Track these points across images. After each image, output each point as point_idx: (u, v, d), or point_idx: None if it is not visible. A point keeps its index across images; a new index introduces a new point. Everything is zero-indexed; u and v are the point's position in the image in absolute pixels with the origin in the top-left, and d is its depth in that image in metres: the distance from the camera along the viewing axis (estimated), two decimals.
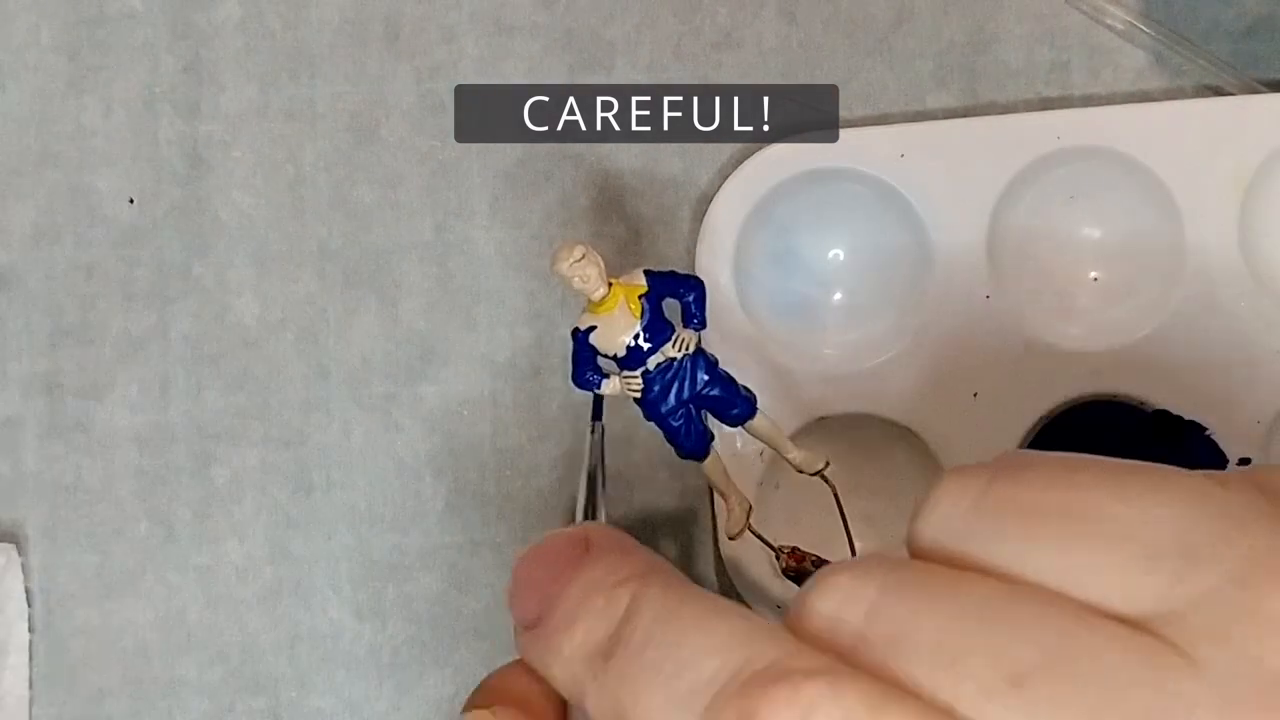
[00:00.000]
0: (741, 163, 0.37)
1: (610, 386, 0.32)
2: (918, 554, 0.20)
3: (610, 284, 0.31)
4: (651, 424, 0.32)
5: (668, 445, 0.32)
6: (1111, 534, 0.18)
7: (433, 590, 0.39)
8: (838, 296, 0.38)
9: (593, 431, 0.34)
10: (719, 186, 0.38)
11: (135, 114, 0.39)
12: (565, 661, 0.21)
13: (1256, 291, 0.36)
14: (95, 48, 0.39)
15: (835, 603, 0.18)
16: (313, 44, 0.39)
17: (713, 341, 0.37)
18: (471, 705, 0.23)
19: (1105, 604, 0.18)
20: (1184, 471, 0.19)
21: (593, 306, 0.31)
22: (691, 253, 0.38)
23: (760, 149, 0.37)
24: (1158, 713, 0.16)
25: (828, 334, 0.38)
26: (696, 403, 0.32)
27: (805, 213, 0.38)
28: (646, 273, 0.32)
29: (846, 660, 0.18)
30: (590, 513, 0.32)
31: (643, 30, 0.39)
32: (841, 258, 0.38)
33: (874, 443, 0.38)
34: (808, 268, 0.38)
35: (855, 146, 0.37)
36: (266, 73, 0.39)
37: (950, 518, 0.19)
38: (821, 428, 0.37)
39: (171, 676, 0.39)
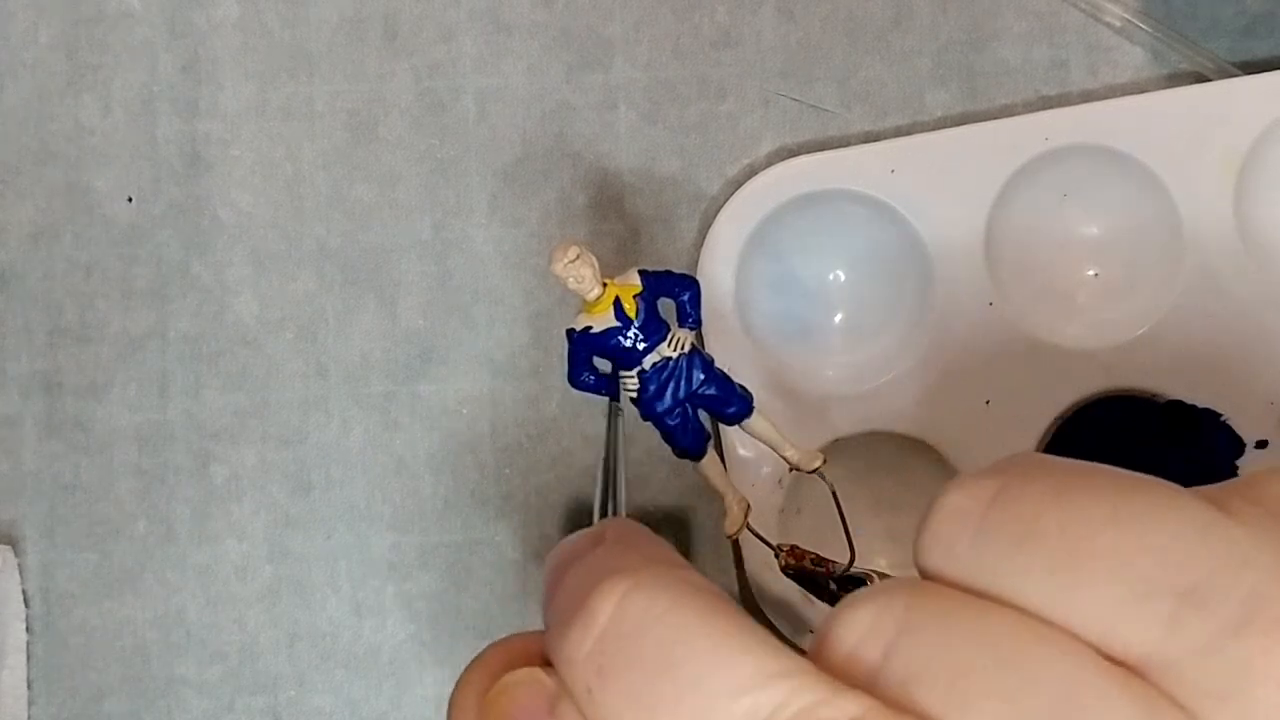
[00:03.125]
0: (736, 189, 0.37)
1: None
2: (925, 573, 0.19)
3: (605, 284, 0.31)
4: (648, 423, 0.32)
5: (663, 440, 0.32)
6: (1108, 567, 0.17)
7: (432, 589, 0.39)
8: (839, 317, 0.38)
9: (609, 414, 0.33)
10: (715, 194, 0.38)
11: (134, 113, 0.39)
12: (567, 665, 0.19)
13: (1257, 273, 0.36)
14: (94, 46, 0.39)
15: (857, 636, 0.18)
16: (311, 42, 0.39)
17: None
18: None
19: (1106, 646, 0.17)
20: (1188, 494, 0.18)
21: (588, 307, 0.31)
22: (689, 252, 0.38)
23: (749, 180, 0.37)
24: None
25: (834, 355, 0.38)
26: (693, 401, 0.32)
27: (801, 237, 0.38)
28: (641, 272, 0.32)
29: (867, 689, 0.18)
30: (608, 501, 0.31)
31: (641, 28, 0.39)
32: (842, 278, 0.38)
33: (892, 459, 0.38)
34: (808, 291, 0.38)
35: (844, 166, 0.37)
36: (265, 71, 0.39)
37: (953, 544, 0.19)
38: (838, 449, 0.37)
39: (170, 676, 0.39)
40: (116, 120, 0.39)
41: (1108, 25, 0.38)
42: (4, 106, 0.39)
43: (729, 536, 0.33)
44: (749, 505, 0.33)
